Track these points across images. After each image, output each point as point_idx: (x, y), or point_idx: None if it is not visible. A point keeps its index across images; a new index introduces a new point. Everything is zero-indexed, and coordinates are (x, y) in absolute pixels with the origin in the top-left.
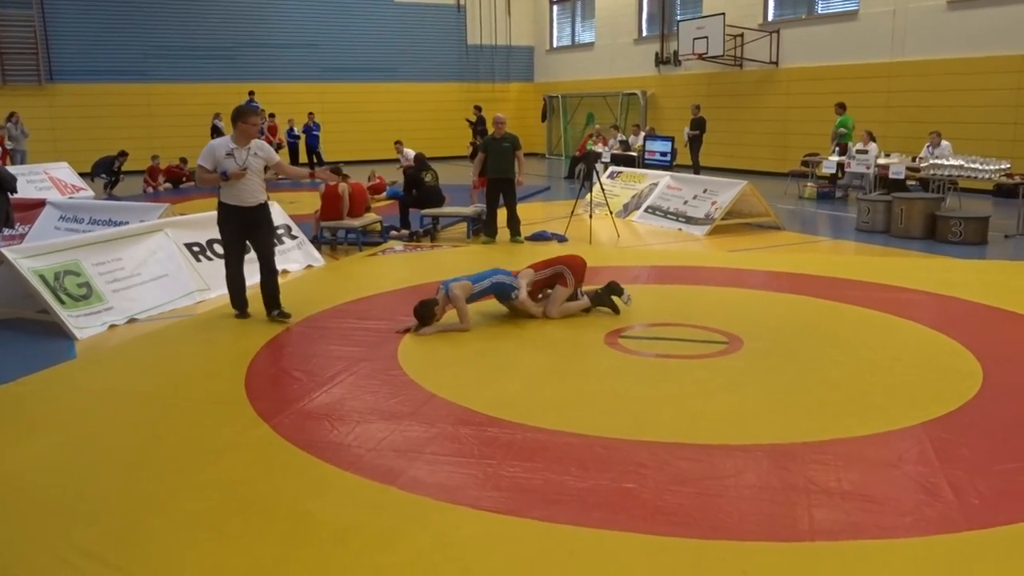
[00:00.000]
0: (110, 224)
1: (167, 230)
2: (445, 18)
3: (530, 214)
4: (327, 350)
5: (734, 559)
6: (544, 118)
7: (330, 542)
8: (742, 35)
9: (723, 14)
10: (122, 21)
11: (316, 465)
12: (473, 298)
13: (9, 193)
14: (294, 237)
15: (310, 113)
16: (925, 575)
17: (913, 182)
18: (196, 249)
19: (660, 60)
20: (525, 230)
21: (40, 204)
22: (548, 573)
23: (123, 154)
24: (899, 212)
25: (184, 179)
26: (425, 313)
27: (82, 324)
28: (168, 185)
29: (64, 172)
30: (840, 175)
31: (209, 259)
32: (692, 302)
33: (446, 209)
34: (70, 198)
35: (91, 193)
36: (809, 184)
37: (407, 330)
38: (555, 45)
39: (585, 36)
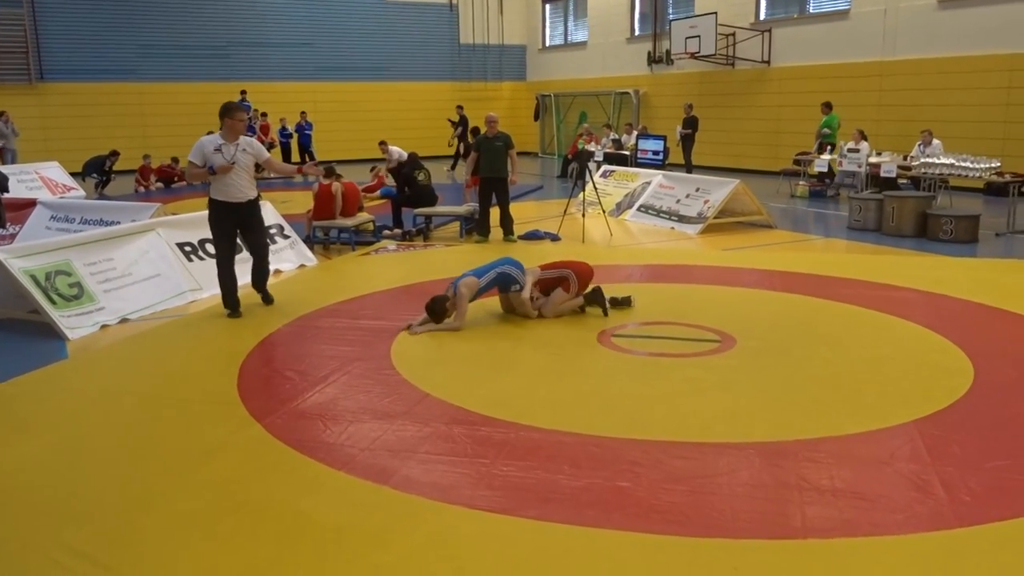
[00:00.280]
0: (101, 224)
1: (159, 230)
2: (438, 17)
3: (523, 213)
4: (320, 350)
5: (727, 557)
6: (537, 117)
7: (323, 542)
8: (734, 34)
9: (715, 13)
10: (113, 20)
11: (309, 465)
12: (479, 293)
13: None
14: (287, 237)
15: (302, 112)
16: (917, 572)
17: (904, 180)
18: (188, 249)
19: (652, 59)
20: (518, 229)
21: (31, 204)
22: (542, 572)
23: (114, 154)
24: (890, 210)
25: (176, 179)
26: (437, 309)
27: (73, 324)
28: (160, 185)
29: (55, 172)
30: (827, 179)
31: (201, 259)
32: (685, 301)
33: (439, 208)
34: (61, 198)
35: (82, 193)
36: (801, 183)
37: (409, 326)
38: (548, 44)
39: (578, 35)
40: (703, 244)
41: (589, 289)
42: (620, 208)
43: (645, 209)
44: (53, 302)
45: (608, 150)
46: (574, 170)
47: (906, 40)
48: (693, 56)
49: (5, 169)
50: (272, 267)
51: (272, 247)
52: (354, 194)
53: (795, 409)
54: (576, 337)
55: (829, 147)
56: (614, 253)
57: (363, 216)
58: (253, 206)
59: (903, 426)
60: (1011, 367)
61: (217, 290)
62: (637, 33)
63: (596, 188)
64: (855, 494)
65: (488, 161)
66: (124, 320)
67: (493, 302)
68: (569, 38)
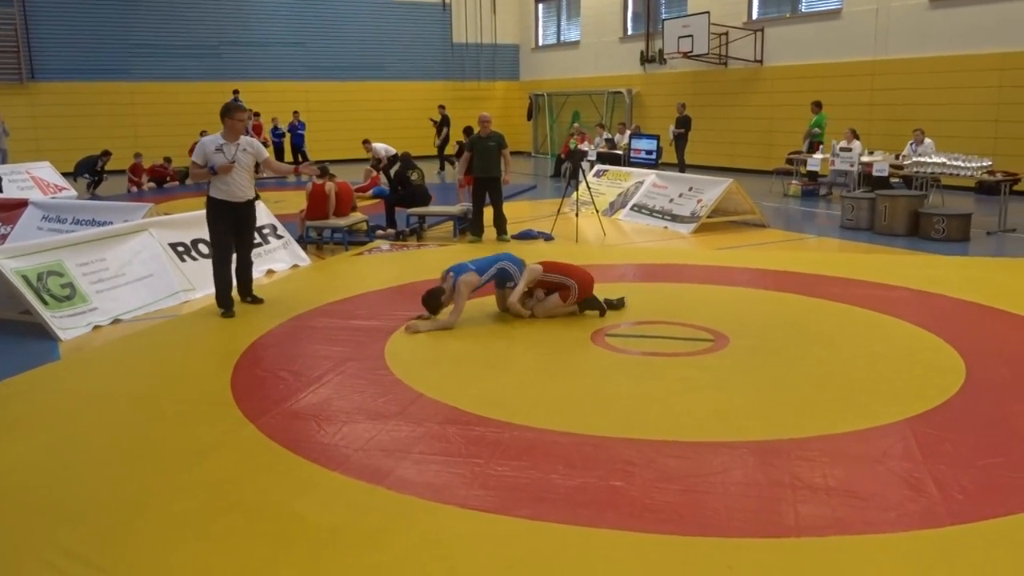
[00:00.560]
0: (93, 224)
1: (151, 230)
2: (430, 16)
3: (516, 212)
4: (313, 350)
5: (721, 555)
6: (530, 117)
7: (318, 542)
8: (727, 34)
9: (708, 13)
10: (105, 19)
11: (303, 465)
12: (477, 288)
13: None
14: (280, 237)
15: (295, 112)
16: (910, 569)
17: (896, 179)
18: (181, 249)
19: (645, 58)
20: (512, 228)
21: (22, 204)
22: (536, 571)
23: (106, 154)
24: (883, 209)
25: (168, 178)
26: (432, 303)
27: (66, 325)
28: (152, 185)
29: (46, 172)
30: (819, 179)
31: (194, 259)
32: (678, 300)
33: (432, 208)
34: (53, 198)
35: (74, 193)
36: (794, 182)
37: (408, 324)
38: (541, 43)
39: (570, 34)
40: (696, 243)
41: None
42: (613, 207)
43: (638, 208)
44: (45, 303)
45: (601, 150)
46: (567, 170)
47: (898, 39)
48: (686, 55)
49: None
50: (265, 267)
51: (265, 247)
52: (347, 194)
53: (788, 408)
54: (570, 337)
55: (820, 146)
56: (607, 252)
57: (356, 216)
58: (251, 206)
59: (896, 424)
60: (1003, 365)
61: (210, 290)
62: (630, 32)
63: (589, 188)
64: (848, 492)
65: (481, 161)
66: (117, 321)
67: (488, 302)
68: (562, 37)
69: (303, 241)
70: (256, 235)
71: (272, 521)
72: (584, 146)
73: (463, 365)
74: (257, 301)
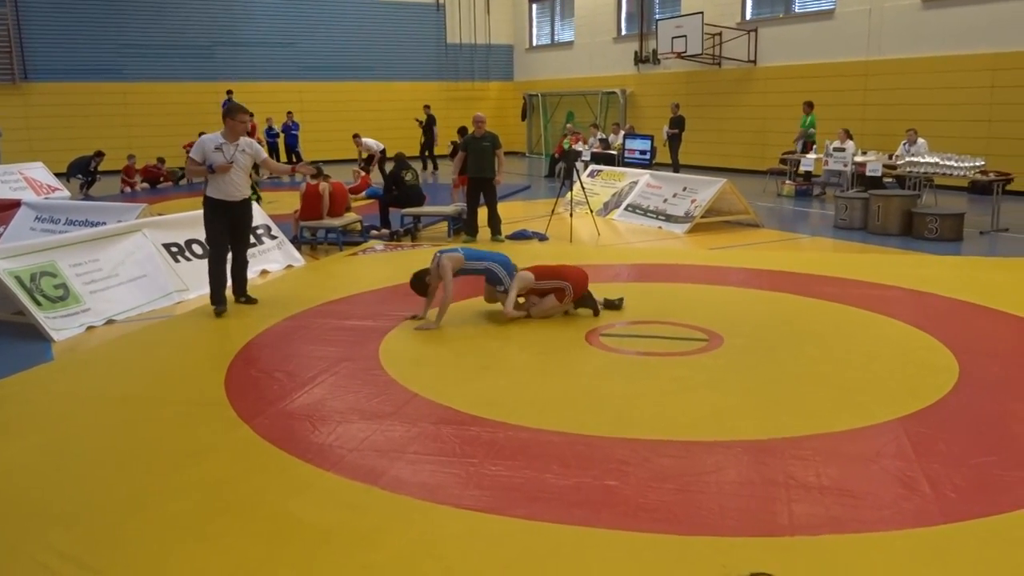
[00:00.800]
0: (87, 225)
1: (145, 230)
2: (424, 16)
3: (511, 213)
4: (308, 350)
5: (715, 554)
6: (524, 117)
7: (312, 542)
8: (720, 34)
9: (701, 13)
10: (98, 19)
11: (297, 465)
12: (463, 272)
13: None
14: (274, 237)
15: (289, 112)
16: (903, 568)
17: (890, 179)
18: (174, 249)
19: (639, 59)
20: (506, 228)
21: (15, 205)
22: (531, 571)
23: (99, 154)
24: (876, 209)
25: (161, 179)
26: (419, 284)
27: (59, 326)
28: (145, 185)
29: (39, 172)
30: (807, 180)
31: (188, 259)
32: (672, 300)
33: (427, 208)
34: (46, 198)
35: (67, 193)
36: (787, 182)
37: (414, 316)
38: (534, 44)
39: (564, 35)
40: (690, 243)
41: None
42: (607, 208)
43: (632, 208)
44: (38, 303)
45: (595, 150)
46: (561, 170)
47: (891, 40)
48: (679, 56)
49: None
50: (259, 267)
51: (259, 247)
52: (342, 194)
53: (782, 407)
54: (564, 336)
55: (813, 146)
56: (602, 253)
57: (350, 216)
58: (246, 205)
59: (889, 423)
60: (995, 364)
61: (204, 290)
62: (624, 33)
63: (584, 188)
64: (842, 491)
65: (476, 161)
66: (110, 321)
67: (482, 302)
68: (556, 38)
69: (297, 241)
70: (251, 235)
71: (266, 521)
72: (579, 146)
73: (457, 365)
74: (251, 301)
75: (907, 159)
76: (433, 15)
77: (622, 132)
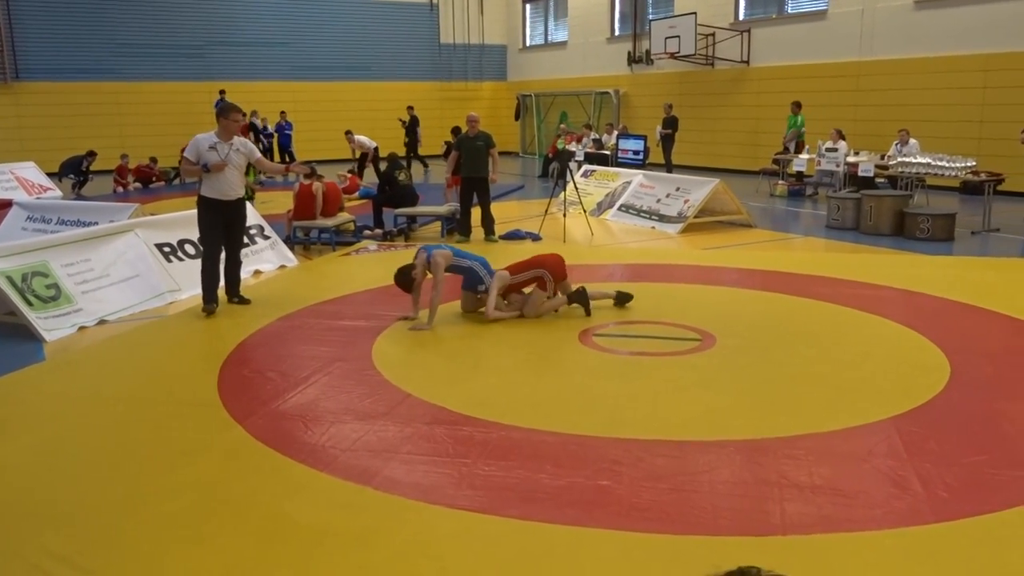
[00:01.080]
0: (79, 225)
1: (137, 230)
2: (418, 17)
3: (504, 212)
4: (301, 350)
5: (708, 554)
6: (517, 117)
7: (306, 543)
8: (713, 34)
9: (695, 13)
10: (90, 18)
11: (291, 466)
12: (451, 269)
13: None
14: (267, 237)
15: (282, 112)
16: (895, 567)
17: (882, 179)
18: (167, 249)
19: (632, 59)
20: (499, 229)
21: (7, 204)
22: (524, 571)
23: (91, 154)
24: (868, 209)
25: (154, 179)
26: (404, 280)
27: (51, 326)
28: (138, 185)
29: (31, 172)
30: (799, 180)
31: (180, 259)
32: (665, 300)
33: (420, 208)
34: (38, 198)
35: (59, 193)
36: (780, 182)
37: (405, 317)
38: (528, 44)
39: (558, 35)
40: (683, 243)
41: (574, 289)
42: (601, 208)
43: (626, 209)
44: (30, 304)
45: (589, 150)
46: (555, 170)
47: (883, 40)
48: (673, 56)
49: None
50: (252, 267)
51: (252, 247)
52: (335, 194)
53: (775, 407)
54: (557, 336)
55: (806, 147)
56: (595, 252)
57: (344, 216)
58: (241, 205)
59: (881, 423)
60: (987, 364)
61: (196, 291)
62: (617, 33)
63: (577, 188)
64: (834, 490)
65: (469, 161)
66: (102, 321)
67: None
68: (549, 38)
69: (290, 241)
70: (244, 235)
71: (260, 522)
72: (572, 146)
73: (451, 365)
74: (244, 302)
75: (899, 159)
76: (427, 15)
77: (615, 132)
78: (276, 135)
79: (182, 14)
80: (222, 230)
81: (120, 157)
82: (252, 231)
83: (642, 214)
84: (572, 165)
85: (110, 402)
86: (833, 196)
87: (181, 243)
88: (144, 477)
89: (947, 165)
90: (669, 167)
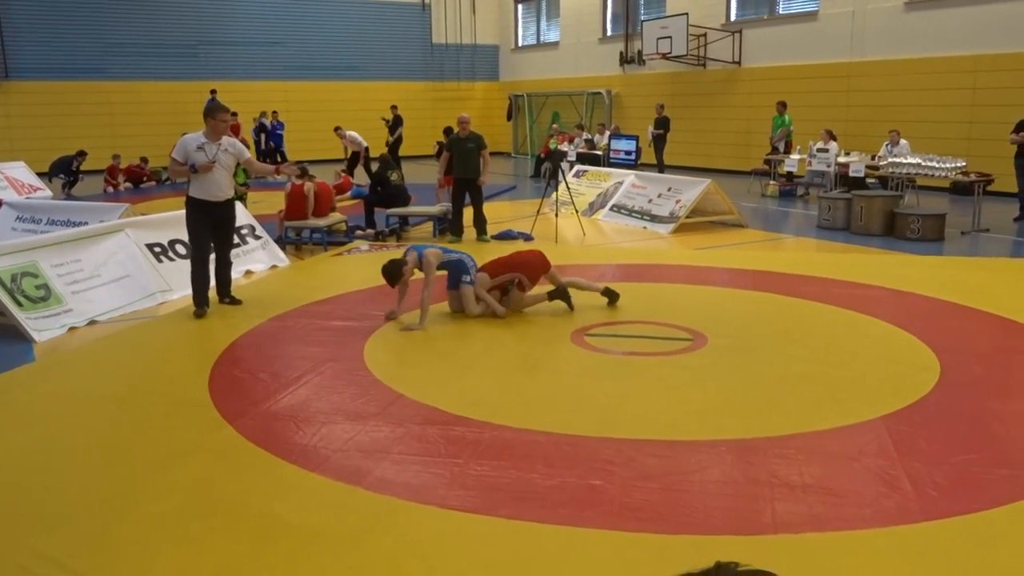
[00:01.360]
0: (69, 225)
1: (128, 230)
2: (410, 16)
3: (496, 213)
4: (292, 351)
5: (699, 553)
6: (510, 117)
7: (297, 543)
8: (705, 35)
9: (686, 14)
10: (81, 17)
11: (282, 466)
12: (442, 266)
13: None
14: (258, 237)
15: (274, 112)
16: (885, 565)
17: (872, 180)
18: (158, 250)
19: (624, 59)
20: (491, 229)
21: None
22: (515, 570)
23: (81, 154)
24: (859, 210)
25: (145, 179)
26: (393, 271)
27: (41, 326)
28: (129, 185)
29: (21, 172)
30: (790, 181)
31: (171, 259)
32: (657, 300)
33: (412, 208)
34: (27, 198)
35: (49, 193)
36: (771, 182)
37: (391, 313)
38: (520, 44)
39: (550, 35)
40: (675, 243)
41: (556, 287)
42: (593, 208)
43: (618, 209)
44: (19, 304)
45: (581, 150)
46: (547, 170)
47: (873, 41)
48: (665, 56)
49: None
50: (244, 267)
51: (244, 247)
52: (327, 194)
53: (765, 406)
54: (549, 336)
55: (798, 147)
56: (587, 253)
57: (335, 216)
58: (230, 206)
59: (871, 422)
60: (976, 363)
61: (187, 291)
62: (609, 33)
63: (569, 188)
64: (824, 489)
65: (461, 162)
66: (92, 322)
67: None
68: (541, 38)
69: (282, 241)
70: (235, 235)
71: (251, 523)
72: (564, 146)
73: (442, 365)
74: (236, 302)
75: (889, 160)
76: (419, 15)
77: (607, 132)
78: (267, 134)
79: (174, 13)
80: (211, 231)
81: (112, 157)
82: (243, 231)
83: (634, 214)
84: (564, 165)
85: (101, 403)
86: (824, 196)
87: (172, 243)
88: (135, 478)
89: (937, 166)
90: (661, 167)
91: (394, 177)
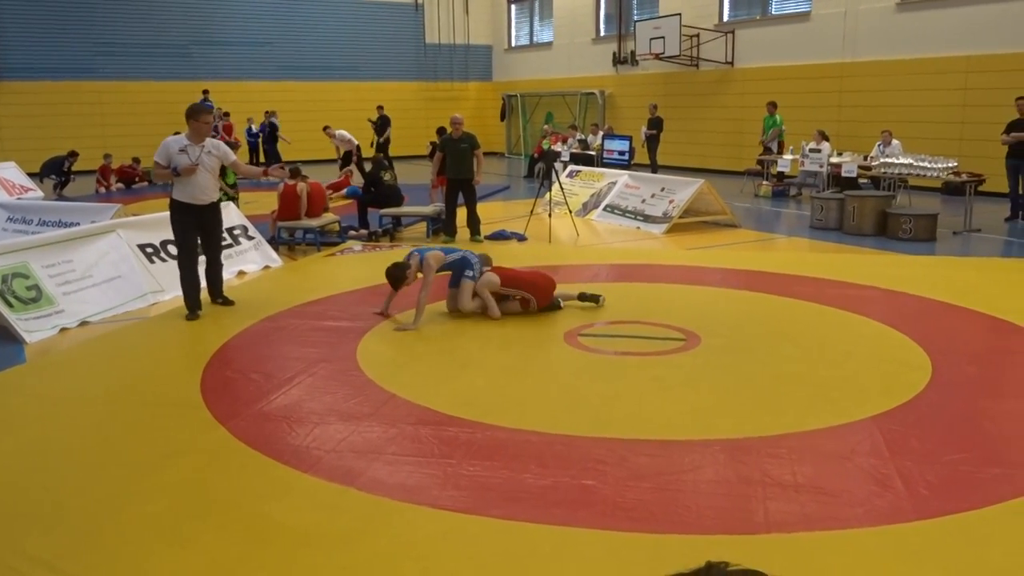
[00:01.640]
0: (60, 225)
1: (119, 231)
2: (403, 16)
3: (490, 213)
4: (285, 351)
5: (692, 552)
6: (503, 117)
7: (290, 544)
8: (698, 35)
9: (679, 15)
10: (71, 17)
11: (275, 467)
12: (443, 268)
13: None
14: (251, 238)
15: (267, 112)
16: (877, 564)
17: (865, 180)
18: (150, 250)
19: (618, 60)
20: (485, 229)
21: None
22: (508, 571)
23: (73, 154)
24: (851, 210)
25: (137, 179)
26: (397, 275)
27: (32, 327)
28: (120, 185)
29: (12, 172)
30: (782, 181)
31: (163, 260)
32: (650, 300)
33: (405, 209)
34: (18, 199)
35: (40, 194)
36: (764, 183)
37: (381, 312)
38: (513, 44)
39: (543, 35)
40: (668, 243)
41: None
42: (586, 208)
43: (611, 209)
44: (10, 305)
45: (574, 150)
46: (540, 170)
47: (866, 42)
48: (658, 57)
49: None
50: (236, 268)
51: (236, 248)
52: (319, 195)
53: (758, 405)
54: (542, 336)
55: (790, 147)
56: (580, 253)
57: (328, 217)
58: (215, 208)
59: (863, 421)
60: (968, 363)
61: (179, 291)
62: (602, 34)
63: (562, 188)
64: (816, 489)
65: (454, 162)
66: (84, 323)
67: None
68: (535, 38)
69: (275, 242)
70: (227, 236)
71: (244, 524)
72: (557, 147)
73: (435, 365)
74: (228, 303)
75: (882, 160)
76: (412, 15)
77: (601, 133)
78: (261, 135)
79: (166, 13)
80: (197, 234)
81: (104, 157)
82: (236, 231)
83: (627, 214)
84: (557, 165)
85: (92, 404)
86: (817, 196)
87: (164, 244)
88: (127, 479)
89: (929, 166)
90: (654, 167)
91: (387, 177)
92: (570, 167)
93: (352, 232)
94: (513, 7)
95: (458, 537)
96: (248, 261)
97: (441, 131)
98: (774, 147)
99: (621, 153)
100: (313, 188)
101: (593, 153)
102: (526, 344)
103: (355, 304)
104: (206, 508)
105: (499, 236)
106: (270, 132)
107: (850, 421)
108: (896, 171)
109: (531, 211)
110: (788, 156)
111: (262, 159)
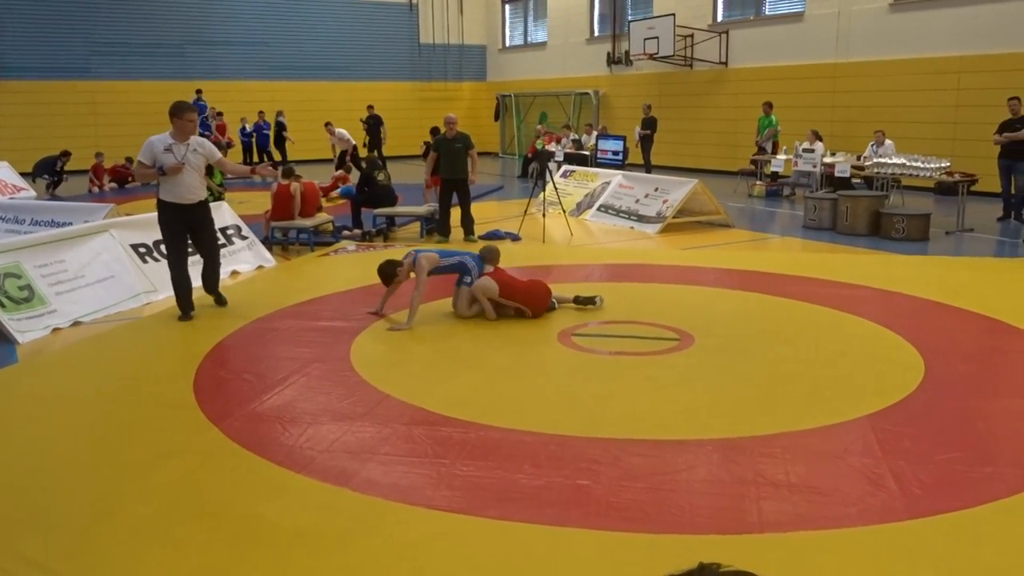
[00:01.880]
0: (53, 225)
1: (112, 231)
2: (397, 16)
3: (484, 213)
4: (278, 351)
5: (686, 552)
6: (497, 117)
7: (283, 545)
8: (692, 36)
9: (673, 15)
10: (65, 16)
11: (268, 468)
12: (437, 271)
13: None
14: (244, 237)
15: (260, 112)
16: (870, 563)
17: (858, 180)
18: (142, 250)
19: (612, 60)
20: (479, 229)
21: None
22: (502, 571)
23: (65, 154)
24: (844, 210)
25: (130, 179)
26: (389, 271)
27: (24, 328)
28: (113, 185)
29: (4, 172)
30: (776, 181)
31: (156, 260)
32: (644, 300)
33: (399, 208)
34: (11, 199)
35: (33, 194)
36: (758, 183)
37: (377, 311)
38: (508, 44)
39: (537, 35)
40: (662, 243)
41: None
42: (580, 208)
43: (605, 209)
44: (2, 305)
45: (568, 150)
46: (534, 170)
47: (859, 42)
48: (652, 57)
49: None
50: (230, 268)
51: (230, 248)
52: (313, 195)
53: (752, 405)
54: (536, 336)
55: (783, 147)
56: (574, 253)
57: (322, 217)
58: (204, 207)
59: (856, 421)
60: (960, 362)
61: (172, 292)
62: (596, 34)
63: (556, 188)
64: (810, 488)
65: (448, 162)
66: (76, 323)
67: (451, 303)
68: (529, 38)
69: (268, 242)
70: (220, 236)
71: (237, 524)
72: (551, 146)
73: (429, 365)
74: (222, 302)
75: (875, 160)
76: (406, 15)
77: (595, 133)
78: (255, 135)
79: (159, 12)
80: (185, 234)
81: (95, 155)
82: (229, 231)
83: (621, 214)
84: (551, 165)
85: (85, 404)
86: (810, 196)
87: (157, 243)
88: (119, 480)
89: (922, 166)
90: (648, 167)
91: (381, 177)
92: (564, 167)
93: (346, 232)
94: (507, 7)
95: (452, 537)
96: (241, 261)
97: (435, 131)
98: (768, 147)
99: (615, 153)
100: (306, 188)
101: (587, 153)
102: (520, 344)
103: (349, 304)
104: (199, 509)
105: (493, 236)
106: (277, 132)
107: (843, 420)
108: (889, 171)
109: (525, 211)
110: (782, 156)
111: (255, 159)
